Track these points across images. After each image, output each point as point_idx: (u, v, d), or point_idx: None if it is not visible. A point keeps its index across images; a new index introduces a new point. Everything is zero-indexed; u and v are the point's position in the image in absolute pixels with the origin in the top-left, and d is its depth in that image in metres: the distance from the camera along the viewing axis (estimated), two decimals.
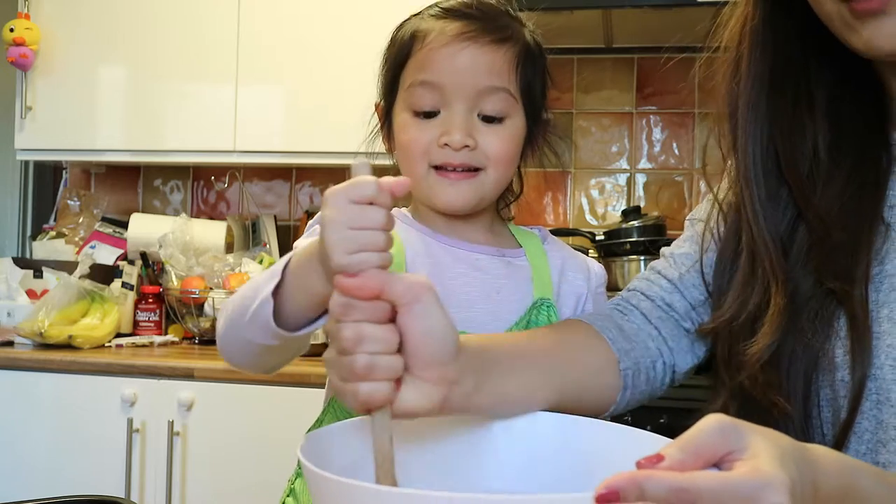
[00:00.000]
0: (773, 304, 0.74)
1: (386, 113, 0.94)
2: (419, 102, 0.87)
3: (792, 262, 0.75)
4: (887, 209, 0.74)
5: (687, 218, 0.92)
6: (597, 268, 0.99)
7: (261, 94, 2.26)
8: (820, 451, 0.53)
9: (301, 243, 0.88)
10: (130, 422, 1.92)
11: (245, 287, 0.74)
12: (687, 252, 0.88)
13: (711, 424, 0.48)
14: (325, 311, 0.67)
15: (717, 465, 0.48)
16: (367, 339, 0.56)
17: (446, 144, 0.86)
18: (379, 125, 0.97)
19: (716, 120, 0.81)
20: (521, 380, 0.70)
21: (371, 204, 0.56)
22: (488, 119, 0.87)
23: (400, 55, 0.90)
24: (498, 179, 0.90)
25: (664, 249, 0.92)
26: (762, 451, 0.47)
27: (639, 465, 0.46)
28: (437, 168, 0.88)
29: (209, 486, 1.92)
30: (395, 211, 0.96)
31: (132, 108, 2.33)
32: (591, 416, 0.85)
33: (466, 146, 0.86)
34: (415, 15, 0.92)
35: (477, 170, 0.88)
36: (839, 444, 0.72)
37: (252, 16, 2.25)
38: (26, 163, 2.72)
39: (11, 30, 2.26)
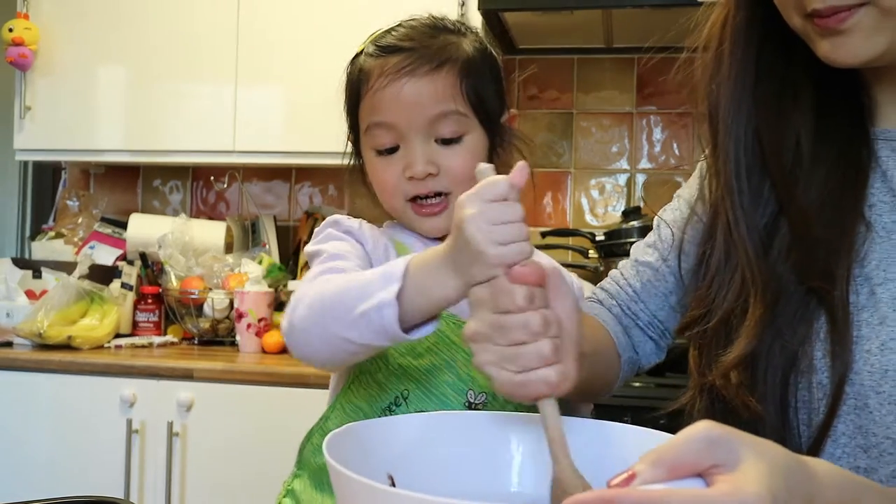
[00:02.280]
0: (752, 314, 0.73)
1: (355, 146, 0.97)
2: (378, 142, 0.90)
3: (772, 259, 0.75)
4: (867, 208, 0.73)
5: (656, 216, 0.93)
6: (576, 279, 1.04)
7: (260, 94, 2.26)
8: (821, 466, 0.52)
9: (310, 249, 0.89)
10: (130, 422, 1.91)
11: (342, 285, 0.74)
12: (649, 262, 0.91)
13: (697, 435, 0.47)
14: (437, 317, 0.70)
15: (702, 475, 0.46)
16: (551, 324, 0.59)
17: (411, 177, 0.88)
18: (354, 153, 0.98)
19: (697, 119, 0.82)
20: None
21: (506, 200, 0.60)
22: (446, 141, 0.89)
23: (352, 97, 0.93)
24: None
25: (636, 246, 0.94)
26: (751, 467, 0.46)
27: (610, 486, 0.46)
28: (413, 200, 0.90)
29: (208, 486, 1.92)
30: (387, 223, 0.97)
31: (131, 108, 2.32)
32: (592, 400, 0.98)
33: (430, 174, 0.88)
34: (359, 53, 0.94)
35: (447, 194, 0.90)
36: (816, 447, 0.71)
37: (252, 16, 2.25)
38: (25, 163, 2.72)
39: (10, 30, 2.26)
